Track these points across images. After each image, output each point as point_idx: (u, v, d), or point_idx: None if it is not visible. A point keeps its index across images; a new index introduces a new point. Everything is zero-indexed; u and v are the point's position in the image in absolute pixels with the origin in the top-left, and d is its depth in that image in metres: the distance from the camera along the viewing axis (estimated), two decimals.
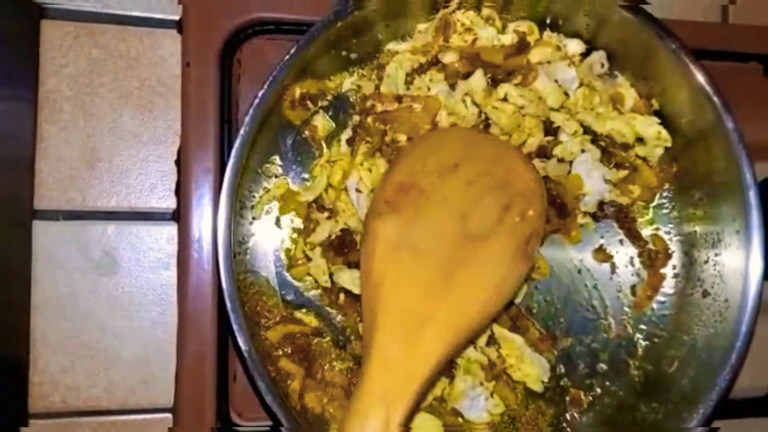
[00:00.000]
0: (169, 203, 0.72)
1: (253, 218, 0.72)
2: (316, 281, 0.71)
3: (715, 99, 0.68)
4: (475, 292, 0.60)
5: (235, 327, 0.61)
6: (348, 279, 0.68)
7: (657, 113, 0.74)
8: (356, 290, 0.68)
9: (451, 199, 0.63)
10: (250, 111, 0.62)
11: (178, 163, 0.71)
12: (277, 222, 0.72)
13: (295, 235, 0.72)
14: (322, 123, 0.73)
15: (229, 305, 0.61)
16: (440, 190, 0.63)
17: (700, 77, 0.68)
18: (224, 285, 0.60)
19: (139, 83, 0.72)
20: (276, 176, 0.72)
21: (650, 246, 0.75)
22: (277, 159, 0.72)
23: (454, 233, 0.61)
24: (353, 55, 0.72)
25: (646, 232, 0.75)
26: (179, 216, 0.69)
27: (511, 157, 0.67)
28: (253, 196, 0.71)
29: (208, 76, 0.69)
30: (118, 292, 0.71)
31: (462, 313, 0.59)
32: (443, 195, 0.63)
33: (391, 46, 0.72)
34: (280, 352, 0.67)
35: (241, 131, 0.62)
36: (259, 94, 0.62)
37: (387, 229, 0.60)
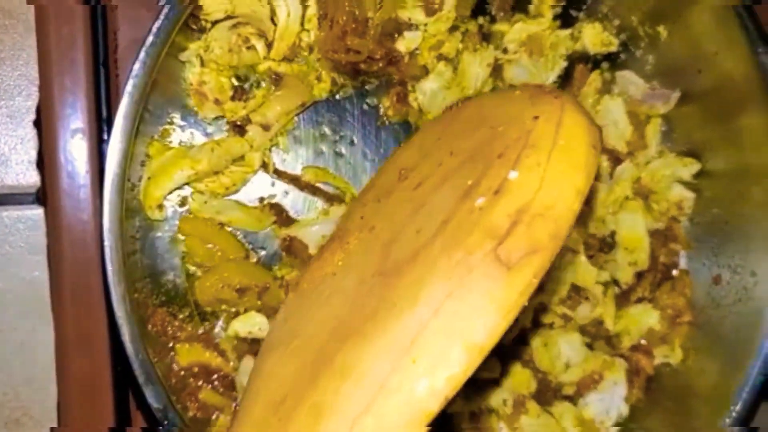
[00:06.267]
0: (29, 179, 0.65)
1: None
2: None
3: None
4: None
5: (137, 371, 0.50)
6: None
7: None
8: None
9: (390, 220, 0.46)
10: (143, 50, 0.51)
11: (38, 124, 0.63)
12: (183, 203, 0.61)
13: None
14: None
15: (128, 342, 0.50)
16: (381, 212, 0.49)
17: None
18: (116, 308, 0.51)
19: None
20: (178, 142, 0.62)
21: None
22: (177, 117, 0.61)
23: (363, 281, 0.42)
24: None
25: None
26: (45, 197, 0.60)
27: (515, 102, 0.44)
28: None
29: None
30: None
31: None
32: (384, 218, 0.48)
33: None
34: (200, 381, 0.57)
35: (131, 80, 0.51)
36: (154, 26, 0.51)
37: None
